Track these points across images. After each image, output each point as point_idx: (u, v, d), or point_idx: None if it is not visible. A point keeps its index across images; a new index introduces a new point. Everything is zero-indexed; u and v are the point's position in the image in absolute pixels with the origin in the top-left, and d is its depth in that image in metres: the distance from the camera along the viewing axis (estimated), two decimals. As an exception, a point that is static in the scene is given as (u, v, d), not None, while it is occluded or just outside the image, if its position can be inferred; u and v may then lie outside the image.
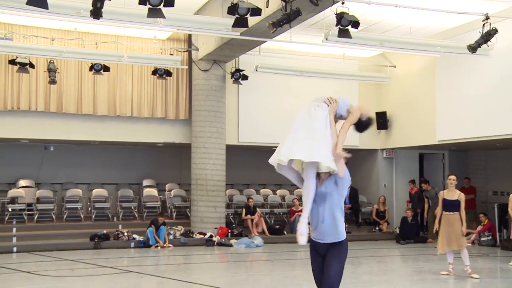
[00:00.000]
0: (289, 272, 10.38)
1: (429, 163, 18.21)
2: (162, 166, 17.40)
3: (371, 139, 16.89)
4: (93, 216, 15.26)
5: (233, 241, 14.07)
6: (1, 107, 13.74)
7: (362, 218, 17.07)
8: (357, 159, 17.97)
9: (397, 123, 16.55)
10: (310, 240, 4.58)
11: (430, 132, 14.93)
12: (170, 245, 13.56)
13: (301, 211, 16.12)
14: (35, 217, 14.66)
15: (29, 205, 14.69)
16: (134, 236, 13.80)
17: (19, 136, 14.38)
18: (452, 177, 9.76)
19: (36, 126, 14.24)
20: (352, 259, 12.04)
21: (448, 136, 14.48)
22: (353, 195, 16.60)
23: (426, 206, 15.43)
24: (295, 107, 16.48)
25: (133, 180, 17.06)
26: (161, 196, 16.42)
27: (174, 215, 15.97)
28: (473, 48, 10.61)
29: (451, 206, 9.45)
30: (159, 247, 13.32)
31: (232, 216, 15.98)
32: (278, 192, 17.66)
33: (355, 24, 9.55)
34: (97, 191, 15.74)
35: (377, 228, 16.46)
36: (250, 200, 15.59)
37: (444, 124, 14.48)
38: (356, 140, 16.56)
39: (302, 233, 4.47)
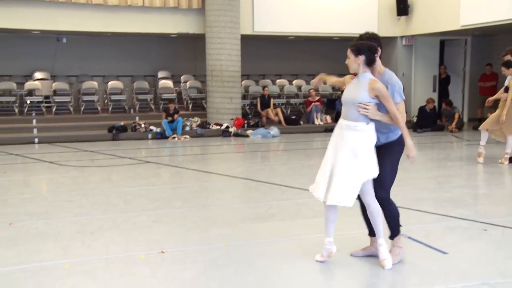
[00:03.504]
0: (306, 161, 10.49)
1: (450, 50, 17.65)
2: (177, 57, 17.15)
3: (390, 26, 16.34)
4: (110, 108, 15.37)
5: (249, 131, 14.16)
6: (9, -3, 13.38)
7: (378, 108, 16.91)
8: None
9: (419, 8, 15.83)
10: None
11: (453, 16, 14.28)
12: (187, 136, 13.71)
13: (317, 101, 16.00)
14: (53, 109, 14.81)
15: (46, 97, 14.79)
16: (151, 127, 13.94)
17: (29, 26, 14.08)
18: None
19: (46, 16, 13.89)
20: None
21: (472, 20, 13.85)
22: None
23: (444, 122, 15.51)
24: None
25: (148, 72, 16.92)
26: (176, 88, 16.36)
27: (190, 106, 16.00)
28: None
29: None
30: (176, 138, 13.48)
31: (248, 107, 15.97)
32: (294, 82, 17.46)
33: None
34: (113, 83, 15.71)
35: (393, 117, 16.36)
36: (266, 89, 15.47)
37: (469, 8, 13.80)
38: (374, 27, 15.99)
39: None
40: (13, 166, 9.94)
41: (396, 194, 6.37)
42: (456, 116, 15.11)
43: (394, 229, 4.41)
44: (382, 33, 16.68)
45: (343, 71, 17.41)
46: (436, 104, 15.95)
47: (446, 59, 17.58)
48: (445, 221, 5.76)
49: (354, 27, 15.99)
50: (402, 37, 16.65)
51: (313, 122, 15.55)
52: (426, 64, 16.86)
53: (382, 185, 4.27)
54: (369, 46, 4.14)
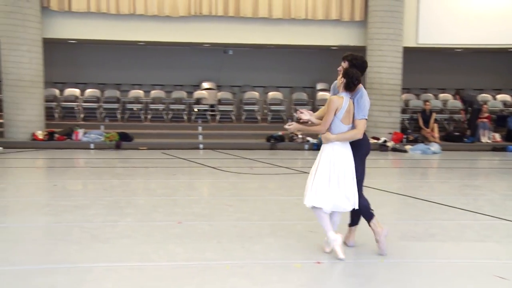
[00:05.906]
0: (469, 181, 9.85)
1: None
2: (336, 69, 17.08)
3: None
4: (269, 118, 15.89)
5: (408, 147, 13.69)
6: (185, 13, 14.53)
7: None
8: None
9: None
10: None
11: None
12: (343, 149, 13.64)
13: (486, 118, 15.00)
14: (217, 118, 15.73)
15: (211, 106, 15.76)
16: (308, 138, 14.13)
17: (201, 40, 15.19)
18: None
19: (216, 30, 14.88)
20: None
21: None
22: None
23: None
24: (481, 3, 14.95)
25: (307, 83, 17.22)
26: (334, 100, 16.37)
27: (347, 119, 15.89)
28: None
29: None
30: (332, 150, 13.48)
31: (407, 121, 15.46)
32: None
33: None
34: (273, 94, 16.24)
35: None
36: (427, 104, 14.83)
37: None
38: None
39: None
40: (181, 169, 10.73)
41: None
42: None
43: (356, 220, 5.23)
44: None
45: (513, 86, 15.64)
46: None
47: None
48: None
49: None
50: None
51: (479, 140, 14.56)
52: None
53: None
54: (353, 75, 4.64)
